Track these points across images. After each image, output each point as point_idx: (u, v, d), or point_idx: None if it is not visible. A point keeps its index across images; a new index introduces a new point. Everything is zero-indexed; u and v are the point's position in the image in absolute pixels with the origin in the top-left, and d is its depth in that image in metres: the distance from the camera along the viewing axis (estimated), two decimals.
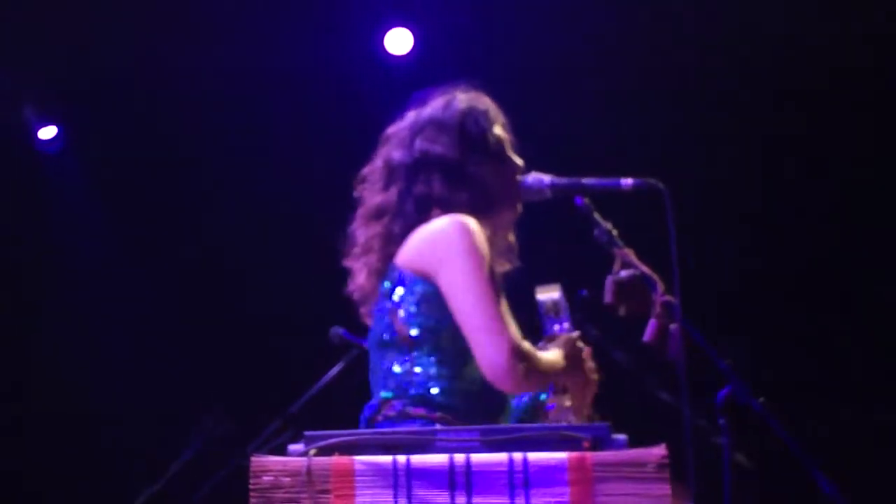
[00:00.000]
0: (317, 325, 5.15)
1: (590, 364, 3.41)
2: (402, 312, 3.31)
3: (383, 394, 3.30)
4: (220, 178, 6.96)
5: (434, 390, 3.25)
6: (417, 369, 3.28)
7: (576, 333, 3.38)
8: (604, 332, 4.50)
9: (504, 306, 3.30)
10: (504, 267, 3.53)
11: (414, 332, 3.29)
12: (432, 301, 3.28)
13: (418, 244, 3.33)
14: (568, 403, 3.35)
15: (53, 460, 7.02)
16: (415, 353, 3.29)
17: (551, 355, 3.31)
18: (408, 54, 6.63)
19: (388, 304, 3.35)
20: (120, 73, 6.69)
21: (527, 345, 3.21)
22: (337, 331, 5.01)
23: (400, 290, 3.33)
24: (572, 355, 3.35)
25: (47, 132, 7.02)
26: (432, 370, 3.27)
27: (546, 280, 3.42)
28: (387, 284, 3.37)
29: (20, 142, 6.99)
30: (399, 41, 6.63)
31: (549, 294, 3.37)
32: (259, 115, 6.82)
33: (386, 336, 3.34)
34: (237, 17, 6.55)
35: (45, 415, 7.08)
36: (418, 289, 3.30)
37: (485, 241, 3.27)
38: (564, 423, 3.25)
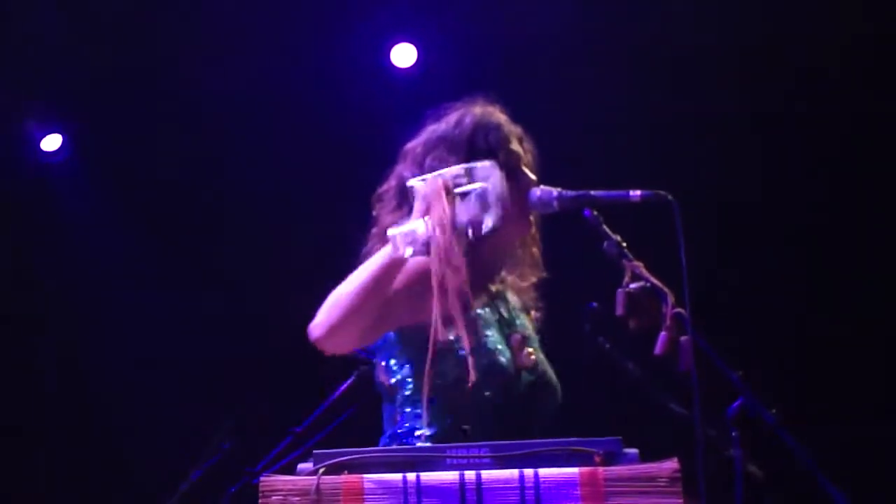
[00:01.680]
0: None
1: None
2: (382, 363, 3.38)
3: (384, 438, 3.36)
4: (229, 193, 6.95)
5: (419, 432, 3.28)
6: (401, 418, 3.34)
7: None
8: (616, 344, 4.49)
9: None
10: (530, 279, 3.54)
11: (393, 380, 3.36)
12: (397, 347, 3.34)
13: None
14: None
15: (55, 477, 7.01)
16: (396, 403, 3.35)
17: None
18: (412, 66, 6.68)
19: (375, 349, 3.42)
20: (125, 83, 6.69)
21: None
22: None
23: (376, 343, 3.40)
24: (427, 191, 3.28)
25: (51, 142, 6.99)
26: (409, 419, 3.32)
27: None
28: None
29: (25, 154, 6.98)
30: (404, 55, 6.69)
31: None
32: (266, 125, 6.82)
33: (376, 384, 3.43)
34: (249, 32, 6.56)
35: (49, 427, 7.07)
36: (390, 338, 3.35)
37: (417, 275, 3.25)
38: None
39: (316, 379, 5.27)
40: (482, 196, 3.23)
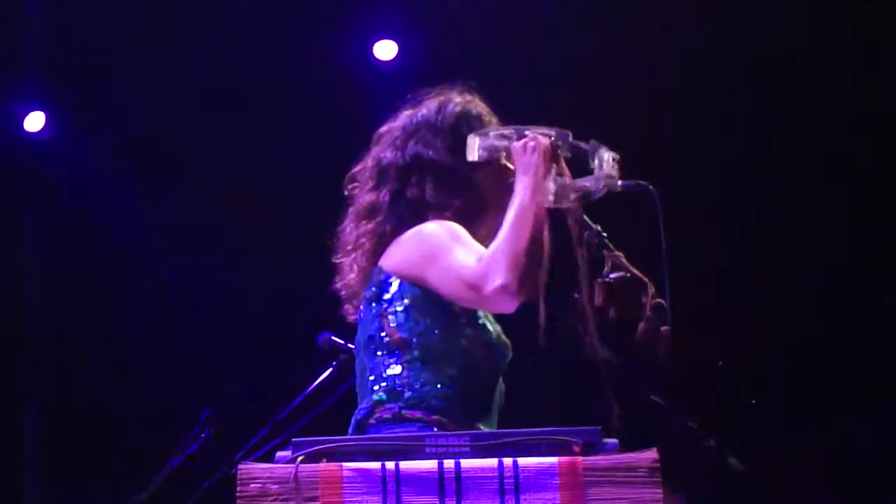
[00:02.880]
0: (305, 330, 5.13)
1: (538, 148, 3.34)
2: (391, 316, 3.31)
3: (375, 397, 3.28)
4: (210, 186, 6.94)
5: (429, 393, 3.23)
6: (410, 372, 3.26)
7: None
8: (595, 334, 4.48)
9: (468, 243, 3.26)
10: None
11: (404, 335, 3.28)
12: (421, 305, 3.28)
13: (406, 247, 3.33)
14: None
15: (31, 462, 7.01)
16: (406, 356, 3.27)
17: (508, 219, 3.25)
18: (393, 60, 6.79)
19: (377, 308, 3.34)
20: (107, 67, 6.69)
21: (484, 253, 3.20)
22: (326, 336, 4.98)
23: (388, 294, 3.33)
24: (519, 150, 3.32)
25: (35, 120, 6.97)
26: (424, 374, 3.25)
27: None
28: (374, 288, 3.36)
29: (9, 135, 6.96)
30: (385, 50, 6.82)
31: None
32: (248, 114, 6.81)
33: (376, 338, 3.33)
34: (235, 24, 6.58)
35: (28, 407, 7.07)
36: (407, 292, 3.30)
37: (462, 231, 3.28)
38: None
39: (296, 367, 5.26)
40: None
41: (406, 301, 3.29)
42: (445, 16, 6.62)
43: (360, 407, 3.31)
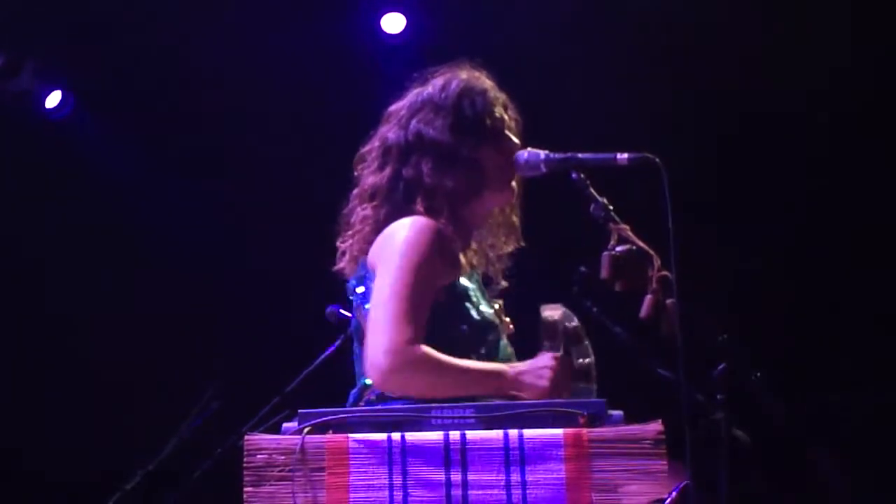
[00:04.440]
0: (313, 302, 5.14)
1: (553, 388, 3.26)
2: (363, 309, 3.34)
3: (364, 380, 3.30)
4: (216, 159, 6.94)
5: None
6: None
7: (559, 354, 3.32)
8: (602, 307, 4.50)
9: (417, 306, 3.20)
10: (509, 247, 3.55)
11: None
12: None
13: (377, 240, 3.35)
14: None
15: (49, 429, 7.04)
16: None
17: (479, 364, 3.24)
18: (401, 33, 6.75)
19: (356, 299, 3.38)
20: (121, 43, 6.69)
21: (422, 349, 3.15)
22: (333, 309, 4.99)
23: (361, 288, 3.37)
24: (533, 372, 3.24)
25: (53, 98, 6.98)
26: None
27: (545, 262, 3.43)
28: (355, 280, 3.41)
29: (30, 113, 6.96)
30: (393, 23, 6.78)
31: (551, 313, 3.34)
32: (259, 89, 6.81)
33: (359, 328, 3.37)
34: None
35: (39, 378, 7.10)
36: (371, 284, 3.31)
37: (432, 244, 3.25)
38: None
39: (304, 340, 5.28)
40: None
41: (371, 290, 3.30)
42: None
43: (353, 390, 3.35)
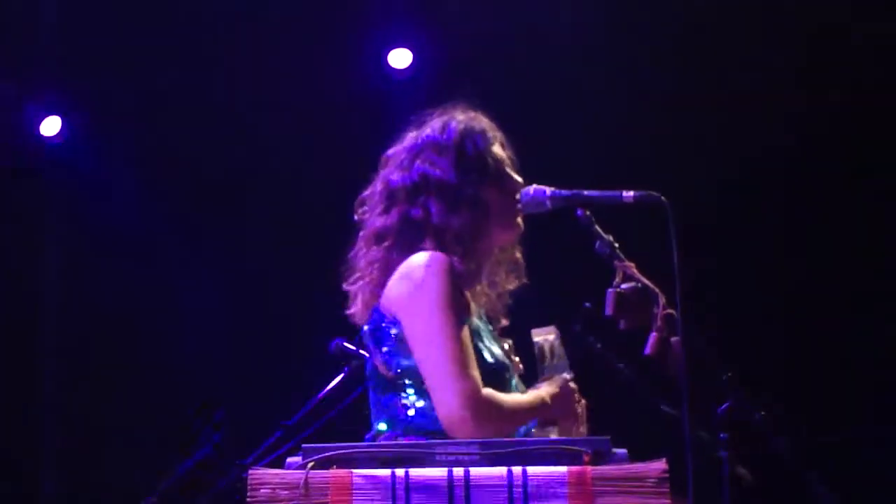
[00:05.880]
0: (319, 336, 5.14)
1: (580, 406, 3.43)
2: (381, 354, 3.34)
3: (378, 426, 3.33)
4: (226, 191, 6.96)
5: (426, 420, 3.26)
6: (405, 401, 3.30)
7: (569, 374, 3.39)
8: (606, 344, 4.50)
9: (467, 352, 3.25)
10: (511, 285, 3.55)
11: (395, 372, 3.32)
12: (406, 342, 3.30)
13: (392, 284, 3.35)
14: (553, 436, 3.35)
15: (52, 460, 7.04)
16: (399, 390, 3.31)
17: (527, 397, 3.33)
18: (407, 69, 6.81)
19: (372, 344, 3.38)
20: (125, 78, 6.72)
21: (487, 392, 3.21)
22: (339, 342, 4.98)
23: (378, 332, 3.37)
24: (562, 396, 3.37)
25: (50, 125, 6.99)
26: (419, 403, 3.28)
27: (547, 295, 3.43)
28: (369, 325, 3.40)
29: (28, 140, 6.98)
30: (400, 59, 6.84)
31: (544, 336, 3.39)
32: (266, 124, 6.84)
33: (374, 373, 3.38)
34: (250, 33, 6.60)
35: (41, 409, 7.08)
36: (392, 331, 3.32)
37: (452, 280, 3.28)
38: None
39: (308, 373, 5.28)
40: None
41: (392, 339, 3.32)
42: (460, 25, 6.63)
43: (367, 434, 3.37)
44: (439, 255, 3.32)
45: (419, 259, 3.32)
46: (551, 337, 3.40)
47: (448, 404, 3.17)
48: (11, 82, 6.77)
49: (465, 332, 3.27)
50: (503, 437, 3.16)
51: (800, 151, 6.60)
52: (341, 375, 5.07)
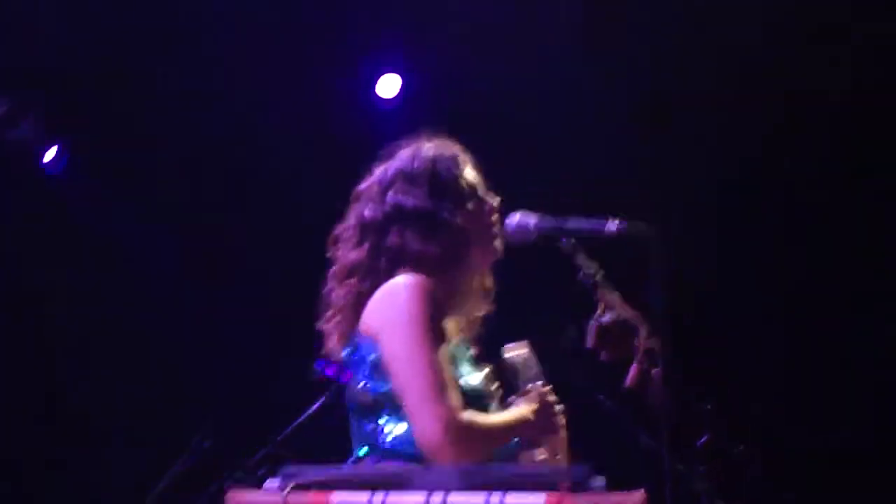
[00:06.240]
0: (301, 358, 5.15)
1: (560, 417, 3.41)
2: (359, 379, 3.32)
3: (359, 452, 3.31)
4: (217, 217, 6.99)
5: (406, 445, 3.23)
6: (386, 428, 3.28)
7: (547, 387, 3.38)
8: (588, 374, 4.51)
9: (445, 374, 3.21)
10: (482, 311, 3.53)
11: (373, 397, 3.29)
12: (384, 366, 3.27)
13: (372, 306, 3.32)
14: (541, 457, 3.35)
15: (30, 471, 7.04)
16: (379, 416, 3.29)
17: (506, 415, 3.32)
18: (396, 97, 6.87)
19: (350, 369, 3.36)
20: (118, 102, 6.74)
21: (467, 415, 3.18)
22: (321, 364, 4.99)
23: (355, 357, 3.34)
24: (542, 410, 3.36)
25: (51, 153, 7.00)
26: (399, 428, 3.26)
27: (533, 323, 3.44)
28: (347, 350, 3.38)
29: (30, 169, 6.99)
30: (389, 86, 6.89)
31: (517, 352, 3.39)
32: (255, 149, 6.87)
33: (353, 399, 3.35)
34: (242, 60, 6.64)
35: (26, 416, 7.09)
36: (371, 356, 3.29)
37: (433, 303, 3.25)
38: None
39: (294, 394, 5.30)
40: None
41: (370, 364, 3.29)
42: (449, 53, 6.66)
43: (347, 461, 3.33)
44: (420, 277, 3.29)
45: (400, 281, 3.29)
46: (524, 352, 3.40)
47: (427, 429, 3.15)
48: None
49: (444, 355, 3.24)
50: (486, 458, 3.16)
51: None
52: (323, 399, 5.10)
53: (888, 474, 6.39)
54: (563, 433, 3.41)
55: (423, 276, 3.30)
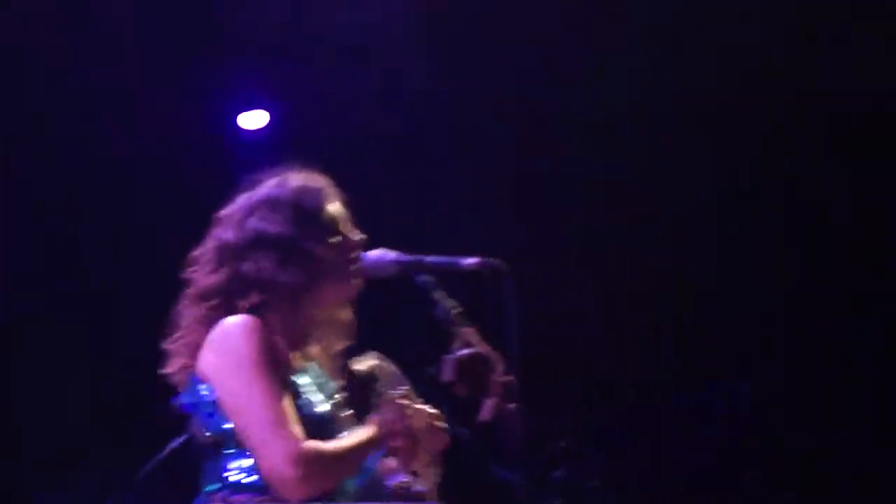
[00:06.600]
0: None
1: (418, 420, 3.38)
2: (198, 417, 3.31)
3: (207, 488, 3.29)
4: (81, 247, 6.92)
5: (252, 479, 3.23)
6: (231, 464, 3.26)
7: (400, 392, 3.39)
8: (448, 409, 4.52)
9: (285, 407, 3.20)
10: (341, 345, 3.53)
11: (213, 434, 3.28)
12: (221, 406, 3.26)
13: (206, 346, 3.30)
14: (394, 465, 3.35)
15: None
16: (223, 452, 3.27)
17: (352, 436, 3.29)
18: (262, 129, 6.90)
19: (191, 409, 3.34)
20: None
21: (311, 444, 3.16)
22: (180, 400, 4.94)
23: (195, 396, 3.32)
24: (388, 416, 3.33)
25: None
26: (244, 462, 3.24)
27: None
28: (188, 388, 3.34)
29: None
30: (254, 120, 6.93)
31: (365, 363, 3.40)
32: (119, 183, 6.83)
33: (196, 436, 3.33)
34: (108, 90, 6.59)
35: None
36: (207, 395, 3.28)
37: (264, 342, 3.24)
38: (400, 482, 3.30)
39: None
40: None
41: (207, 402, 3.28)
42: (313, 86, 6.69)
43: (195, 499, 3.32)
44: (248, 318, 3.27)
45: (227, 324, 3.28)
46: (372, 362, 3.41)
47: (274, 466, 3.13)
48: None
49: (279, 390, 3.21)
50: (338, 483, 3.17)
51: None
52: (182, 437, 5.03)
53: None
54: (419, 435, 3.39)
55: (251, 317, 3.28)
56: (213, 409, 3.27)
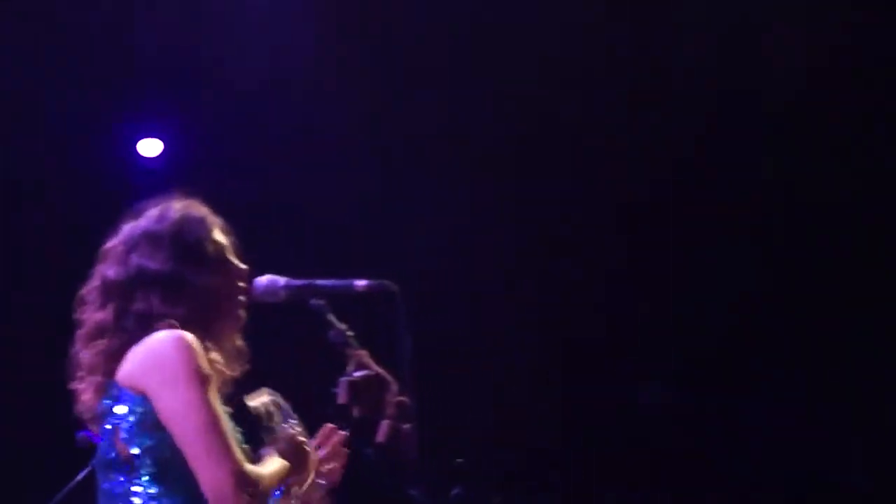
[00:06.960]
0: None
1: (313, 456, 3.41)
2: (122, 431, 3.24)
3: None
4: None
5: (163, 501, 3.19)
6: (137, 489, 3.20)
7: (296, 429, 3.39)
8: (353, 429, 4.53)
9: (227, 427, 3.18)
10: (235, 372, 3.50)
11: (135, 451, 3.21)
12: (152, 420, 3.20)
13: (137, 360, 3.25)
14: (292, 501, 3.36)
15: None
16: (134, 473, 3.21)
17: (273, 465, 3.30)
18: (157, 157, 6.88)
19: (109, 423, 3.27)
20: None
21: (250, 467, 3.16)
22: (85, 435, 4.89)
23: (120, 409, 3.26)
24: (294, 450, 3.35)
25: None
26: (152, 489, 3.20)
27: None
28: (107, 402, 3.29)
29: None
30: (150, 148, 6.92)
31: (258, 399, 3.40)
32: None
33: (108, 456, 3.26)
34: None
35: None
36: (138, 408, 3.22)
37: (204, 358, 3.22)
38: None
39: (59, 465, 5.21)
40: None
41: (137, 416, 3.22)
42: (210, 114, 6.69)
43: None
44: (182, 332, 3.24)
45: (164, 336, 3.24)
46: (266, 398, 3.41)
47: (218, 482, 3.09)
48: None
49: (221, 407, 3.21)
50: None
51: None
52: (88, 469, 4.99)
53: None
54: (316, 470, 3.41)
55: (185, 331, 3.25)
56: (137, 425, 3.20)
